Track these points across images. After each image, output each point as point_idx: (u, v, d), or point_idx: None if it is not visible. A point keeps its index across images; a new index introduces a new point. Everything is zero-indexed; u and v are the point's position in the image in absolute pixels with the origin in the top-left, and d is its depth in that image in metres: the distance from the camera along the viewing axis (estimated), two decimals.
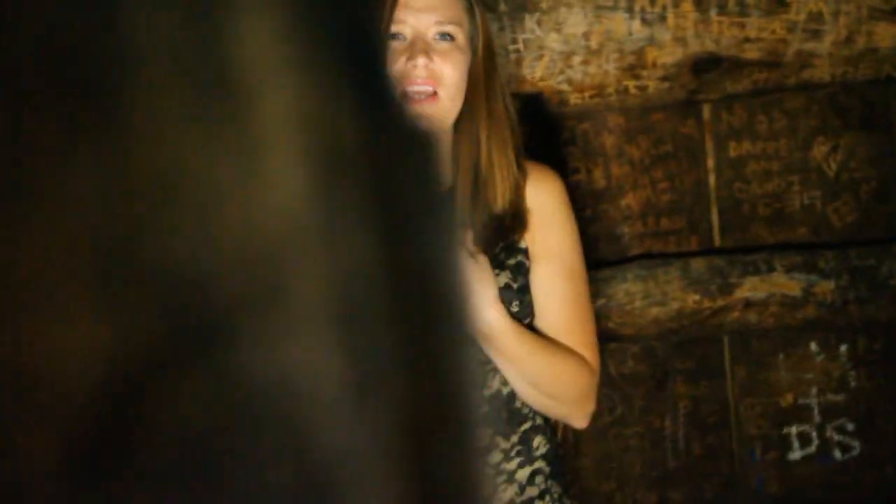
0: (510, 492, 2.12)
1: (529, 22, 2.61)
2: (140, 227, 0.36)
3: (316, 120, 0.37)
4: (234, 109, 0.37)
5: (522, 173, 2.14)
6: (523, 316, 2.11)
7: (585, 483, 2.78)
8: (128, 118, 0.36)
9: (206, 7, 0.37)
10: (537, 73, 2.62)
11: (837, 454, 2.78)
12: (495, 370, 2.09)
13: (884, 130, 2.73)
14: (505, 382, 2.10)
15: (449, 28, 2.09)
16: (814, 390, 2.77)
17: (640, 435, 2.79)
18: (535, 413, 2.14)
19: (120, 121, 0.36)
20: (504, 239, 2.11)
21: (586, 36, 2.61)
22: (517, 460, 2.13)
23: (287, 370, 0.36)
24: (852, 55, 2.62)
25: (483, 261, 2.03)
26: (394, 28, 2.08)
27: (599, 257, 2.74)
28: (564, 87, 2.63)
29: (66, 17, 0.35)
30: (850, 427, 2.77)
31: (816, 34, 2.61)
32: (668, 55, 2.62)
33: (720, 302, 2.69)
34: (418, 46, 2.07)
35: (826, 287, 2.67)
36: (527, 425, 2.13)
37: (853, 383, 2.76)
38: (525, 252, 2.13)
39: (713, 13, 2.60)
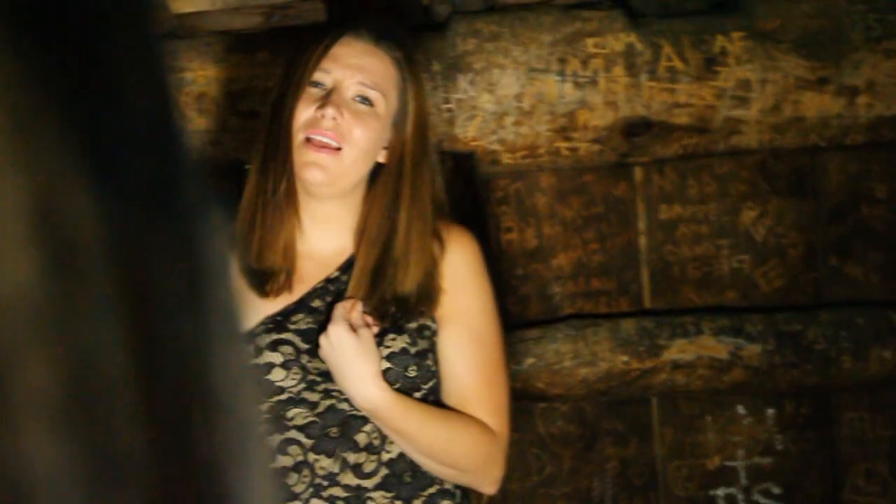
0: None
1: (463, 82, 2.63)
2: None
3: (45, 207, 0.37)
4: None
5: (440, 245, 2.10)
6: (423, 380, 2.07)
7: None
8: None
9: None
10: (470, 132, 2.64)
11: None
12: None
13: (812, 196, 2.76)
14: None
15: (370, 93, 2.06)
16: (741, 453, 2.78)
17: (567, 496, 2.78)
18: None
19: None
20: (407, 316, 2.06)
21: (518, 97, 2.63)
22: None
23: (5, 461, 0.36)
24: (779, 123, 2.65)
25: (366, 336, 1.99)
26: (316, 76, 2.05)
27: (530, 316, 2.75)
28: (497, 146, 2.65)
29: None
30: (777, 490, 2.78)
31: (744, 101, 2.64)
32: (600, 118, 2.64)
33: (648, 363, 2.70)
34: (332, 98, 2.03)
35: (753, 350, 2.69)
36: (433, 489, 2.10)
37: (780, 447, 2.77)
38: (430, 316, 2.09)
39: (644, 78, 2.63)
